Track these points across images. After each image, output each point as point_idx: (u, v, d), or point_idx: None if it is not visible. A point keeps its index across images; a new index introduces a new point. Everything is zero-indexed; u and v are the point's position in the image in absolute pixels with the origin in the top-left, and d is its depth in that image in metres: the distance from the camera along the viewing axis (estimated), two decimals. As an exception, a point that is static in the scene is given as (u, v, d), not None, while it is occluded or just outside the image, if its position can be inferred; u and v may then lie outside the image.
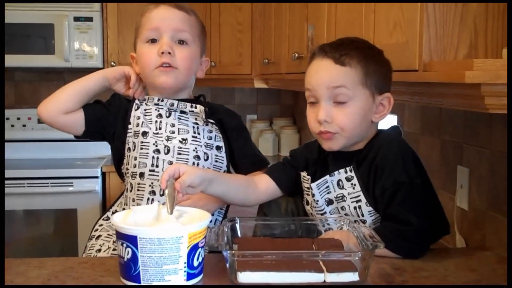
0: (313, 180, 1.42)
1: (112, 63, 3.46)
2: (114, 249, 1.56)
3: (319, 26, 2.08)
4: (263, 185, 1.51)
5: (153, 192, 1.58)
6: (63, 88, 1.62)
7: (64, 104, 1.60)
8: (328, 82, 1.33)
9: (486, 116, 1.66)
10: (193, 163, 1.61)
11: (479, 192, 1.69)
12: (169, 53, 1.57)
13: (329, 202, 1.39)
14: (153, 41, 1.60)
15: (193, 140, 1.63)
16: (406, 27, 1.37)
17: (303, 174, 1.47)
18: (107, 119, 1.66)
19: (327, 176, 1.38)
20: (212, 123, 1.66)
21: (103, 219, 1.70)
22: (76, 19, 3.42)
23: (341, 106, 1.33)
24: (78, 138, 1.70)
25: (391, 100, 1.37)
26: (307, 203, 1.46)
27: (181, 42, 1.60)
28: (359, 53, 1.34)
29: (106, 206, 3.23)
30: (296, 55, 2.33)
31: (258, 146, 3.64)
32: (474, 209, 1.72)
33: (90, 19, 3.43)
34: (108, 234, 1.63)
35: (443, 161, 1.92)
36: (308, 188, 1.44)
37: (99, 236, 1.64)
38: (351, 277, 1.08)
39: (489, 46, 1.28)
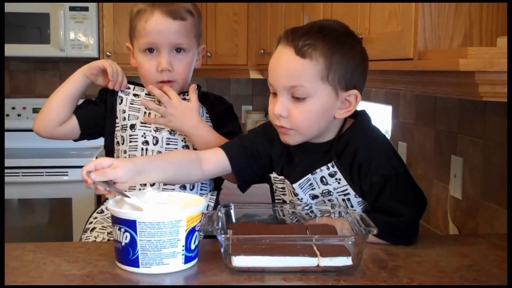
0: (287, 178, 1.38)
1: (108, 53, 3.45)
2: (108, 240, 1.57)
3: (315, 15, 2.08)
4: (213, 160, 1.44)
5: (144, 184, 1.58)
6: (50, 100, 1.62)
7: (57, 117, 1.61)
8: (286, 80, 1.26)
9: (480, 106, 1.67)
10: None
11: (473, 182, 1.71)
12: (169, 70, 1.59)
13: (314, 197, 1.37)
14: (151, 50, 1.60)
15: None
16: (402, 16, 1.38)
17: (273, 175, 1.43)
18: (100, 116, 1.67)
19: (309, 175, 1.34)
20: (202, 107, 1.67)
21: (97, 212, 1.71)
22: (72, 8, 3.41)
23: (298, 102, 1.27)
24: (76, 141, 1.71)
25: (358, 98, 1.30)
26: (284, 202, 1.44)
27: (179, 50, 1.60)
28: (325, 43, 1.25)
29: (101, 195, 3.23)
30: (292, 45, 2.33)
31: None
32: (468, 198, 1.74)
33: (85, 8, 3.42)
34: (102, 226, 1.63)
35: (437, 151, 1.93)
36: (283, 188, 1.42)
37: (93, 229, 1.64)
38: (345, 261, 1.09)
39: (484, 36, 1.28)
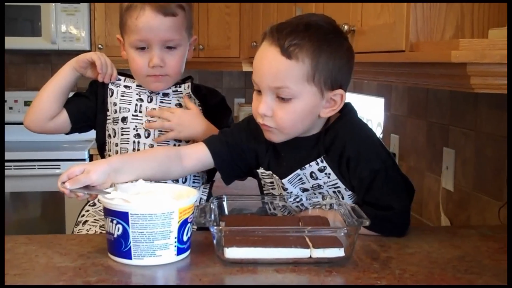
0: (275, 173, 1.37)
1: (99, 45, 3.44)
2: (101, 233, 1.57)
3: (307, 8, 2.08)
4: (196, 156, 1.43)
5: None
6: (40, 95, 1.61)
7: (47, 112, 1.60)
8: (270, 80, 1.24)
9: (472, 98, 1.67)
10: (174, 145, 1.61)
11: (465, 174, 1.72)
12: (160, 66, 1.57)
13: (304, 190, 1.36)
14: (142, 47, 1.58)
15: None
16: (394, 8, 1.38)
17: (261, 171, 1.42)
18: (90, 109, 1.66)
19: (298, 170, 1.33)
20: (195, 99, 1.66)
21: (89, 205, 1.69)
22: (63, 1, 3.39)
23: (283, 103, 1.25)
24: (68, 134, 1.70)
25: (344, 97, 1.28)
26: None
27: (171, 47, 1.59)
28: (312, 42, 1.22)
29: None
30: (284, 37, 2.33)
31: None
32: (459, 190, 1.74)
33: (77, 1, 3.41)
34: (94, 219, 1.63)
35: (430, 143, 1.94)
36: (271, 183, 1.41)
37: (85, 222, 1.64)
38: (337, 252, 1.09)
39: (475, 28, 1.29)
